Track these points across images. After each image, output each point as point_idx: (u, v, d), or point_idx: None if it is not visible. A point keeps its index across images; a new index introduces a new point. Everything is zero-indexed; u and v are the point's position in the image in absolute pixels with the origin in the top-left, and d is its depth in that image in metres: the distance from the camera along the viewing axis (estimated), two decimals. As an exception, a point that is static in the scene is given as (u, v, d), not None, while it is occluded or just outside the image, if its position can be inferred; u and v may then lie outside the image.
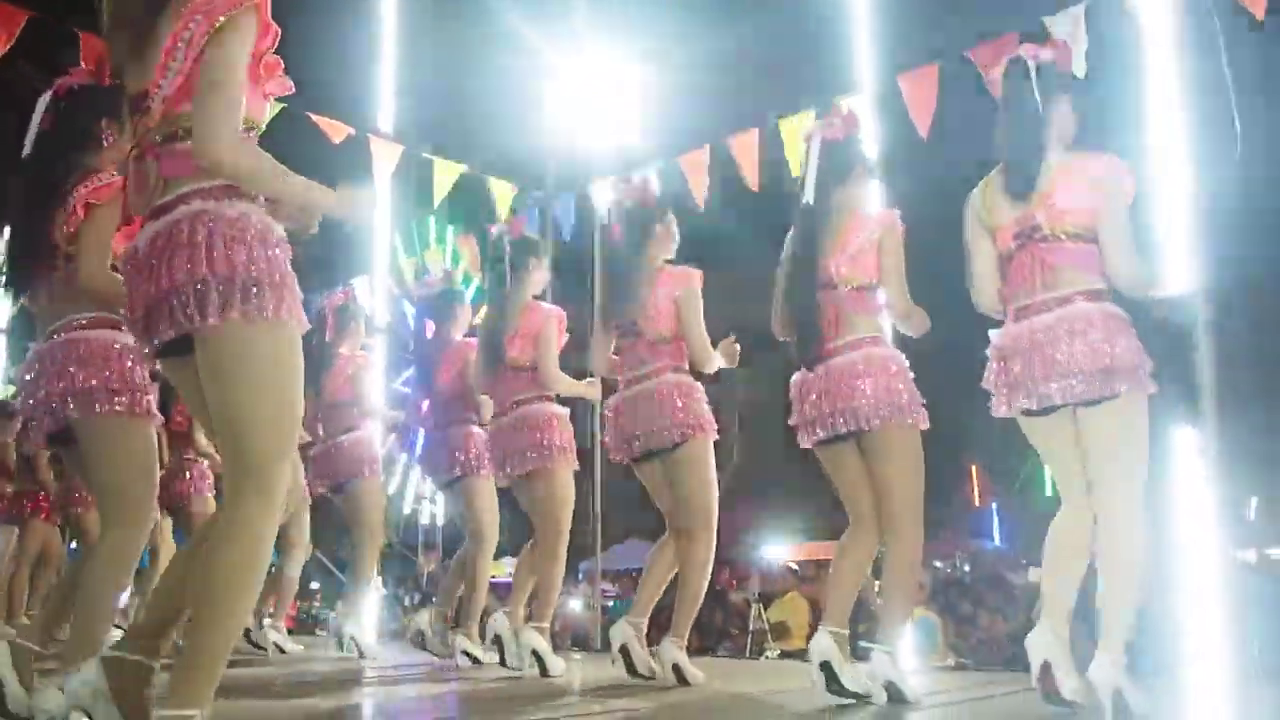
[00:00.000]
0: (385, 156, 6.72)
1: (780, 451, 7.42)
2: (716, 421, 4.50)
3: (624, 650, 4.42)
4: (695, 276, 4.50)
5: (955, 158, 3.67)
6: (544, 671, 4.74)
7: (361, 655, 5.69)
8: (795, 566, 13.03)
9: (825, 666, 3.60)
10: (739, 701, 4.05)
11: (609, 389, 4.82)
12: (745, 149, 5.63)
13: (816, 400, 3.77)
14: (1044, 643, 3.24)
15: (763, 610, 10.83)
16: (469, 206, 6.02)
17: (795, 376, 3.89)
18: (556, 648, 4.98)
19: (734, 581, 18.36)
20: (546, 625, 4.88)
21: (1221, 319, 3.15)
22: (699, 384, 4.52)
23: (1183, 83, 3.29)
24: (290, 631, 6.55)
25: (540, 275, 5.18)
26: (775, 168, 5.61)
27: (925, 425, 3.74)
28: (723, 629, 12.69)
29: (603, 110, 6.55)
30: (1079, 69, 4.33)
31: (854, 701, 3.56)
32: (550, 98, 7.20)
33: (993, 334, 3.50)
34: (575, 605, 11.87)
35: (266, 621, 6.29)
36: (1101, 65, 4.24)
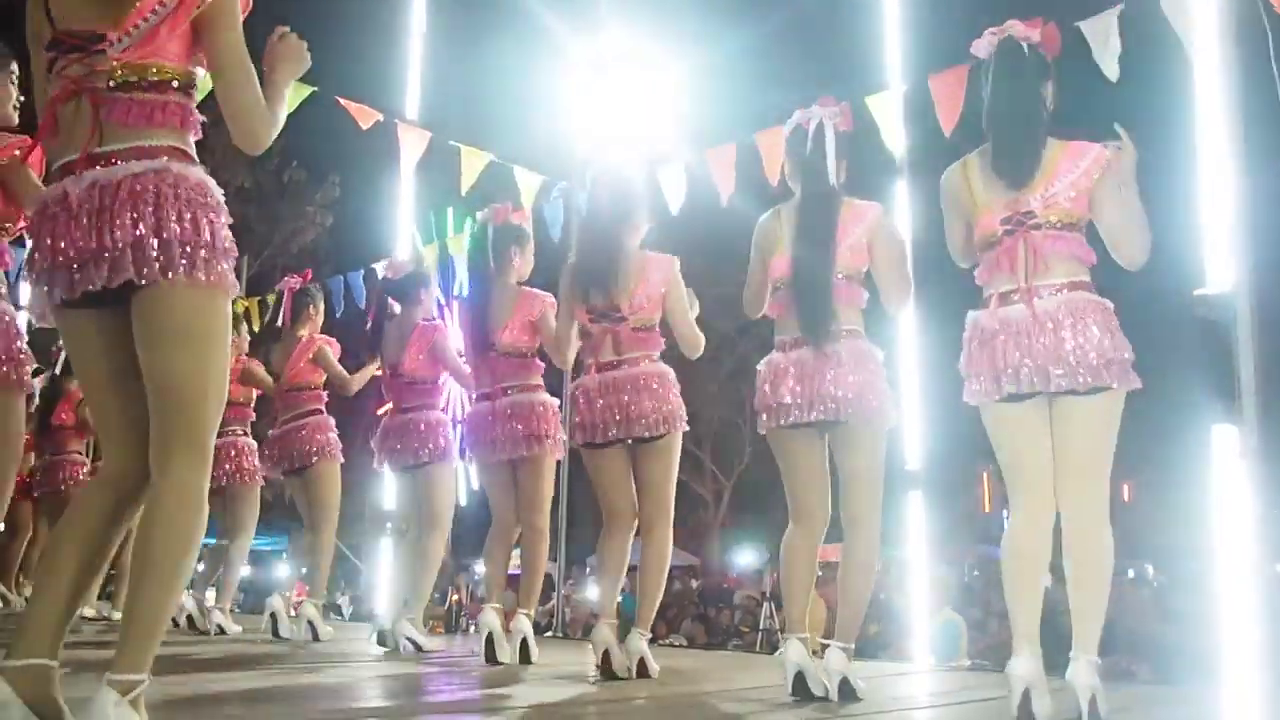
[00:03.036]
0: (413, 144, 6.77)
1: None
2: (728, 419, 4.52)
3: (605, 654, 4.33)
4: (677, 262, 4.47)
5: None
6: (526, 658, 4.79)
7: (416, 649, 5.54)
8: (809, 566, 12.96)
9: (800, 677, 3.61)
10: (746, 695, 4.06)
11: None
12: (771, 145, 5.64)
13: (793, 385, 3.76)
14: (1027, 671, 3.15)
15: (774, 609, 10.84)
16: (495, 195, 6.04)
17: (767, 359, 3.91)
18: (568, 638, 5.01)
19: (737, 580, 18.45)
20: (533, 611, 4.98)
21: (1265, 317, 3.13)
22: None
23: (1229, 81, 3.27)
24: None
25: (523, 263, 5.19)
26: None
27: (895, 422, 3.78)
28: (730, 627, 12.77)
29: (629, 103, 6.57)
30: (1111, 72, 4.35)
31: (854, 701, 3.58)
32: (576, 90, 7.23)
33: (972, 315, 3.44)
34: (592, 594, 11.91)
35: (214, 605, 6.39)
36: (1141, 65, 4.24)
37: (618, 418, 4.36)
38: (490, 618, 4.86)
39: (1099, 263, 3.30)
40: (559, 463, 5.27)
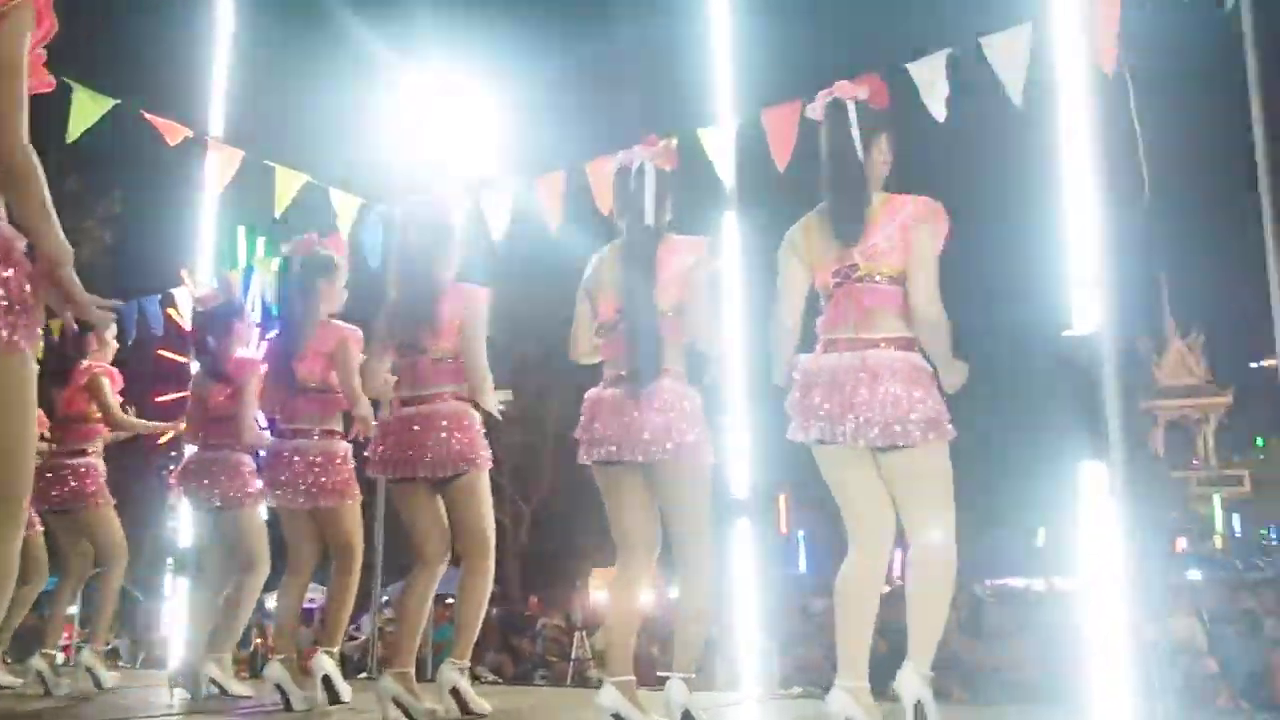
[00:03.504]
0: (223, 162, 6.44)
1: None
2: (529, 443, 4.47)
3: (455, 691, 4.25)
4: (485, 294, 4.40)
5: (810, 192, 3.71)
6: (335, 698, 4.67)
7: (221, 692, 5.25)
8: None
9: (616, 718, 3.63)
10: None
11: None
12: (601, 175, 5.62)
13: (609, 420, 3.78)
14: (843, 706, 3.27)
15: (586, 638, 10.78)
16: (309, 219, 5.82)
17: (591, 392, 3.92)
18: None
19: (542, 605, 18.30)
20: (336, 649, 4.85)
21: (1128, 358, 3.30)
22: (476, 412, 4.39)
23: (1091, 128, 3.42)
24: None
25: (332, 294, 5.04)
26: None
27: (712, 460, 3.82)
28: (535, 656, 12.55)
29: (452, 126, 6.43)
30: (939, 113, 4.52)
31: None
32: (395, 111, 7.05)
33: (800, 359, 3.54)
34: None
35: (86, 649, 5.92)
36: (988, 109, 4.40)
37: (410, 454, 4.26)
38: (275, 670, 4.72)
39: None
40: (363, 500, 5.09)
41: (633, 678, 3.74)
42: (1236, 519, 41.14)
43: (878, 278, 3.42)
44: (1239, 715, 6.30)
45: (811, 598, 11.01)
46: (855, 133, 3.52)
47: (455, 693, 4.24)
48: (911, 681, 3.25)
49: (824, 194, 3.60)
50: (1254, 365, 33.06)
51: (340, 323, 4.99)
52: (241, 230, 9.12)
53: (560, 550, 26.23)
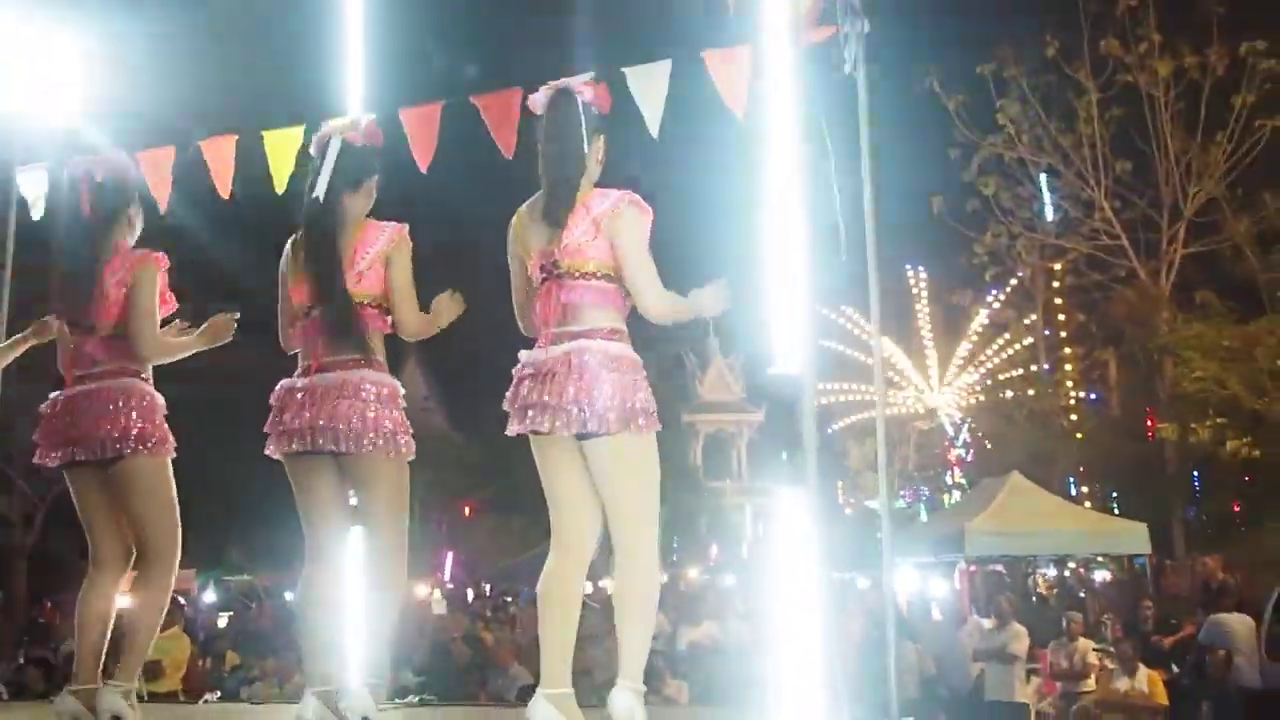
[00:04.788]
0: None
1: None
2: None
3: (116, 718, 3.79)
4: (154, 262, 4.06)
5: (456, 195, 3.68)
6: None
7: None
8: (183, 600, 12.12)
9: None
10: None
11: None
12: (219, 153, 5.20)
13: (298, 411, 3.64)
14: (546, 713, 3.27)
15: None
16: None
17: (284, 382, 3.77)
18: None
19: (56, 612, 16.77)
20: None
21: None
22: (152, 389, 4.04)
23: (796, 177, 3.54)
24: None
25: None
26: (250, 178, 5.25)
27: (411, 455, 3.75)
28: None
29: (47, 89, 5.67)
30: (653, 127, 4.57)
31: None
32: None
33: (523, 354, 3.53)
34: None
35: None
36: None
37: (72, 436, 3.90)
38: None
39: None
40: None
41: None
42: (762, 527, 45.11)
43: (577, 274, 3.43)
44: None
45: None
46: (583, 126, 3.53)
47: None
48: (622, 699, 3.29)
49: (543, 184, 3.55)
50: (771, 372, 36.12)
51: None
52: None
53: (73, 551, 23.93)
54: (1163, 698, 9.62)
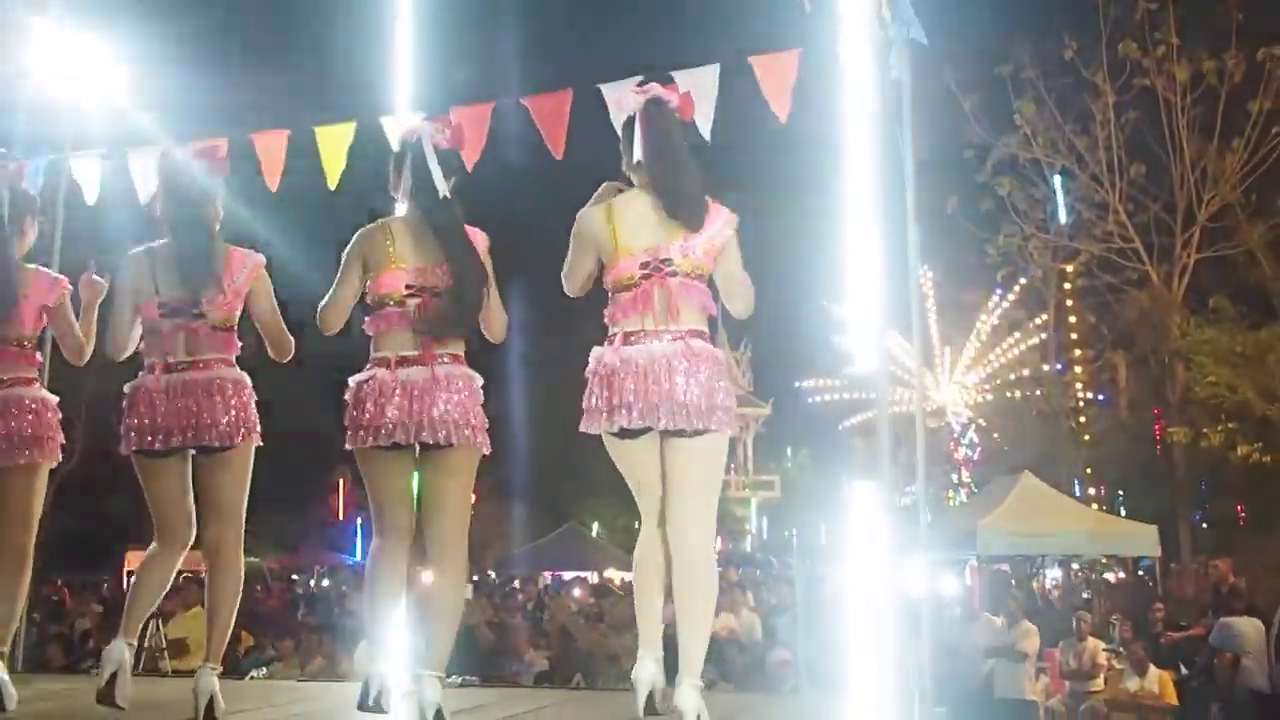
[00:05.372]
0: None
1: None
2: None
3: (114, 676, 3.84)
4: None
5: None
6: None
7: None
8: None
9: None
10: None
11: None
12: (270, 147, 5.31)
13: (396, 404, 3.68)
14: (649, 675, 3.45)
15: (161, 625, 10.03)
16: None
17: (377, 373, 3.78)
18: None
19: (64, 590, 16.88)
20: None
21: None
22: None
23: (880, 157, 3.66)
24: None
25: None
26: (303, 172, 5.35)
27: (487, 449, 3.79)
28: (90, 645, 11.54)
29: (100, 78, 5.77)
30: (705, 130, 4.68)
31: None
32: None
33: (596, 352, 3.63)
34: None
35: None
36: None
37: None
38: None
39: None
40: None
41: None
42: (765, 521, 45.24)
43: (692, 274, 3.57)
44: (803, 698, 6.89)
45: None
46: (678, 129, 3.70)
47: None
48: (687, 697, 3.35)
49: (657, 181, 3.64)
50: (796, 385, 36.24)
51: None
52: None
53: (91, 530, 24.06)
54: (1173, 698, 9.74)
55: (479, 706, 4.29)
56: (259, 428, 4.07)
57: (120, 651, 3.82)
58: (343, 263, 3.88)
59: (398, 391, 3.66)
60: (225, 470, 4.00)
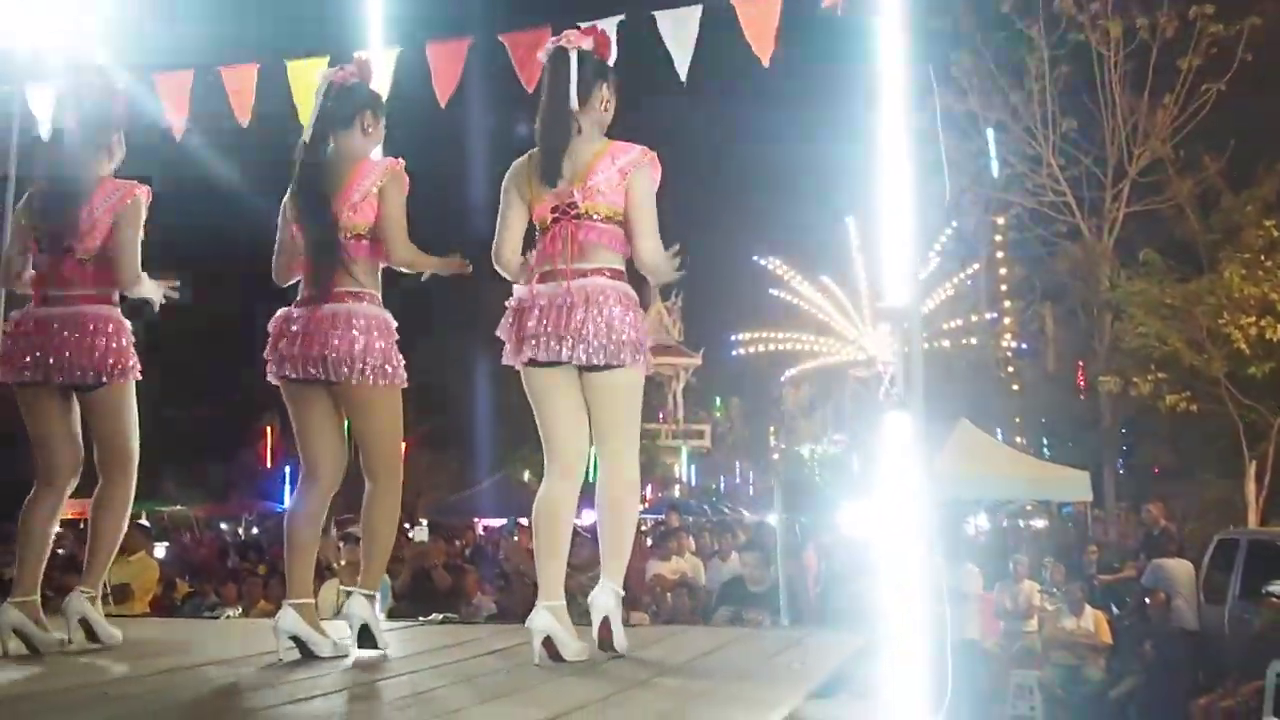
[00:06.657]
0: None
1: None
2: None
3: (84, 621, 3.90)
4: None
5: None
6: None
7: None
8: (147, 524, 12.07)
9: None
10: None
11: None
12: (240, 81, 5.19)
13: (293, 339, 3.70)
14: (546, 624, 3.47)
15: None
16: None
17: (281, 311, 3.81)
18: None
19: None
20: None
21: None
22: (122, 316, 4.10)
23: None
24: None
25: None
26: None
27: (403, 383, 3.81)
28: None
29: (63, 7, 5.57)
30: (682, 71, 4.68)
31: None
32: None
33: (516, 290, 3.71)
34: None
35: None
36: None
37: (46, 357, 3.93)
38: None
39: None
40: None
41: (312, 601, 3.77)
42: (694, 470, 45.62)
43: (594, 216, 3.62)
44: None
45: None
46: (573, 79, 3.67)
47: (84, 622, 3.90)
48: (603, 595, 3.55)
49: (537, 138, 3.72)
50: (730, 337, 36.27)
51: None
52: None
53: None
54: (1107, 636, 10.08)
55: (474, 640, 4.31)
56: (138, 366, 4.05)
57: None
58: None
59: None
60: (100, 407, 4.01)
